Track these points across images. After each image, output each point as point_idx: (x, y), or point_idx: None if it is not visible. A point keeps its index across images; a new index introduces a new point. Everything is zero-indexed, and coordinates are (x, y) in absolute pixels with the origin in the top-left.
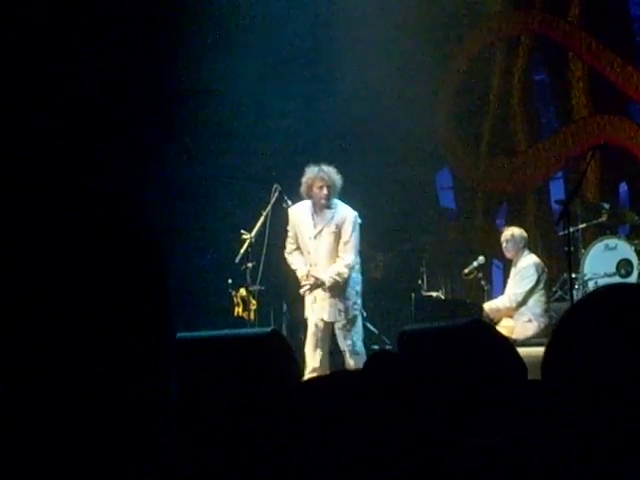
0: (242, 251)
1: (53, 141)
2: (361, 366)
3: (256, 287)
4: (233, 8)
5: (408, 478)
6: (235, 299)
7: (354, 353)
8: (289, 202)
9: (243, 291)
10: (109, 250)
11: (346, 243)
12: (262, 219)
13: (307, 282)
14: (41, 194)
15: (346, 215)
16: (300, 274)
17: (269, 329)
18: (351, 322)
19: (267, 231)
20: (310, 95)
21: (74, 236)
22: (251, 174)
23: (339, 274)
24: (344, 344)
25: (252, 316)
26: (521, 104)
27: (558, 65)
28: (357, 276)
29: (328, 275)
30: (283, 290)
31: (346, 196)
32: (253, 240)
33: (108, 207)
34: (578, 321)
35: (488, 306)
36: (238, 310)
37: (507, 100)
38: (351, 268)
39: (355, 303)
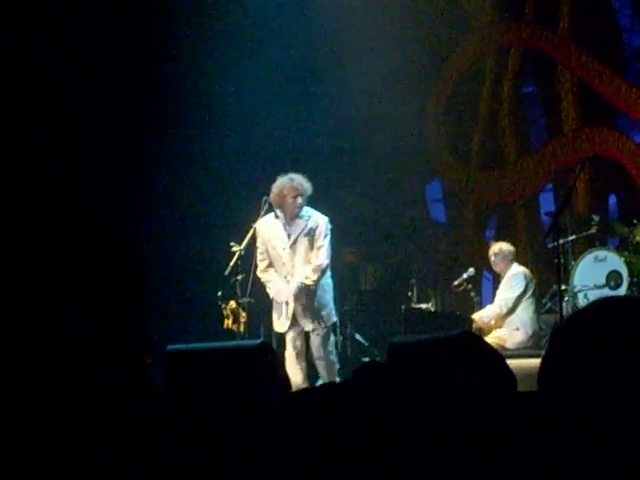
0: (232, 263)
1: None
2: (334, 377)
3: (246, 299)
4: (222, 25)
5: None
6: (225, 311)
7: (330, 362)
8: (279, 214)
9: (233, 303)
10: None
11: (319, 248)
12: (252, 231)
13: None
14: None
15: (319, 221)
16: (277, 295)
17: (258, 341)
18: (330, 330)
19: (257, 243)
20: (299, 109)
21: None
22: (240, 186)
23: (307, 277)
24: (321, 353)
25: (242, 328)
26: (511, 116)
27: (547, 77)
28: (330, 282)
29: (297, 280)
30: (273, 302)
31: (336, 208)
32: (243, 252)
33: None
34: (574, 332)
35: (478, 315)
36: (228, 322)
37: (497, 112)
38: (323, 271)
39: (332, 309)
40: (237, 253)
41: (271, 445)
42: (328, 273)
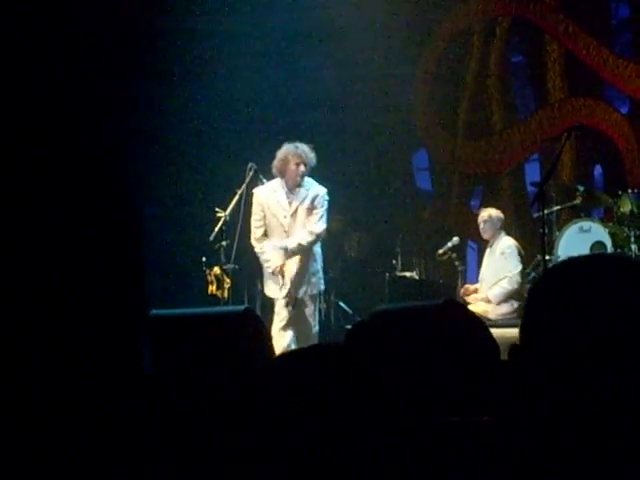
0: (216, 229)
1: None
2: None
3: (230, 266)
4: None
5: (388, 459)
6: (209, 277)
7: (313, 329)
8: (264, 181)
9: (217, 269)
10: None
11: (317, 215)
12: (237, 198)
13: (282, 273)
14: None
15: (318, 191)
16: (272, 266)
17: (242, 307)
18: (315, 298)
19: (242, 210)
20: (285, 76)
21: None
22: (225, 152)
23: (303, 238)
24: (308, 319)
25: (226, 294)
26: (498, 86)
27: (535, 47)
28: (320, 251)
29: (293, 243)
30: (257, 269)
31: (323, 176)
32: (228, 218)
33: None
34: (551, 288)
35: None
36: (212, 288)
37: (484, 82)
38: (317, 237)
39: (321, 277)
40: (222, 219)
41: (257, 411)
42: (318, 242)
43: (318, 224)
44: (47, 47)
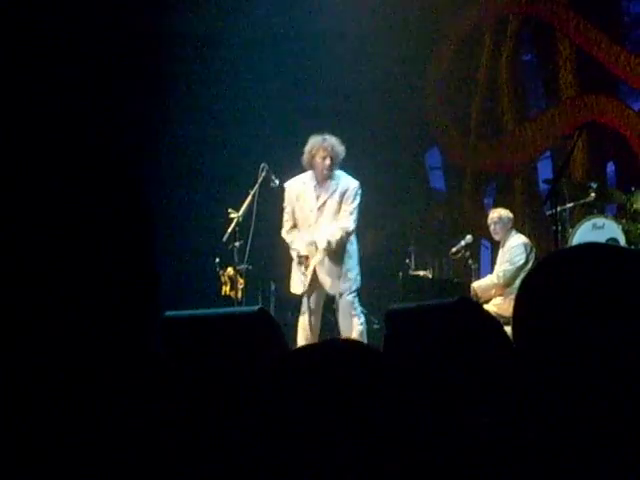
0: (229, 230)
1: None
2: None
3: (243, 266)
4: None
5: (401, 457)
6: (222, 278)
7: (355, 328)
8: (277, 181)
9: (230, 270)
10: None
11: (346, 211)
12: (250, 198)
13: (306, 264)
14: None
15: (349, 184)
16: (298, 253)
17: (256, 308)
18: (355, 296)
19: (254, 210)
20: (298, 75)
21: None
22: (237, 153)
23: (333, 235)
24: (347, 318)
25: (239, 295)
26: (509, 84)
27: (546, 45)
28: (356, 248)
29: (322, 239)
30: (270, 269)
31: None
32: (240, 219)
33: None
34: (541, 279)
35: (477, 284)
36: (225, 289)
37: (495, 80)
38: (348, 234)
39: (358, 275)
40: (235, 220)
41: (271, 410)
42: (354, 239)
43: (348, 220)
44: (58, 50)
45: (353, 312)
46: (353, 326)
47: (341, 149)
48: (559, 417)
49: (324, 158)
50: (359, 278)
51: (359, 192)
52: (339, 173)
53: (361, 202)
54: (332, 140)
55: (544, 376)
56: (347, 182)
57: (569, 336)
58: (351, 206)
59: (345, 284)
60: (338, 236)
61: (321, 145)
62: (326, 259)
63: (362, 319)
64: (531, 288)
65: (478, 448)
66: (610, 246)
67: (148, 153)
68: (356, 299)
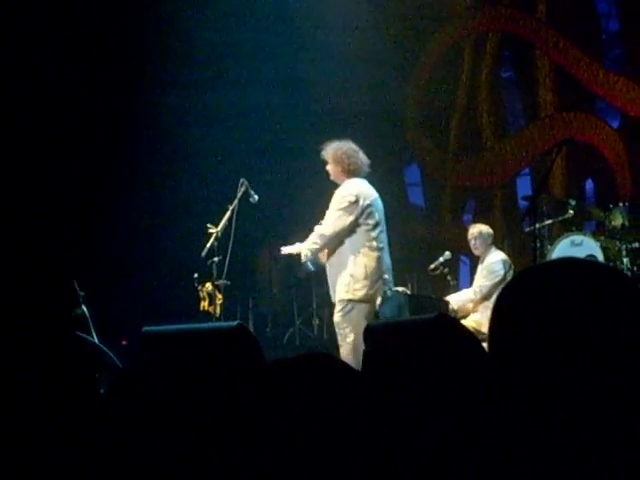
0: (208, 245)
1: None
2: (348, 355)
3: (222, 282)
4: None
5: (383, 469)
6: (201, 293)
7: (343, 342)
8: (255, 196)
9: (209, 285)
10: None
11: (326, 217)
12: (229, 213)
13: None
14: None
15: (339, 190)
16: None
17: (235, 323)
18: (346, 307)
19: (233, 225)
20: (278, 91)
21: None
22: (216, 168)
23: (308, 242)
24: (337, 328)
25: (218, 310)
26: (488, 101)
27: (525, 62)
28: (353, 258)
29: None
30: (249, 285)
31: (312, 190)
32: (219, 234)
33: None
34: (515, 293)
35: (453, 299)
36: (204, 304)
37: (475, 97)
38: (321, 239)
39: (347, 285)
40: (214, 235)
41: (248, 424)
42: (347, 249)
43: (323, 226)
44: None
45: (342, 324)
46: (341, 337)
47: (331, 154)
48: (532, 428)
49: (331, 163)
50: (347, 290)
51: (344, 196)
52: (348, 182)
53: (349, 210)
54: (326, 147)
55: (517, 384)
56: (340, 188)
57: (542, 347)
58: (330, 211)
59: (335, 294)
60: (311, 240)
61: (333, 152)
62: (327, 267)
63: (350, 339)
64: (506, 301)
65: (452, 460)
66: (582, 260)
67: (127, 167)
68: (347, 312)
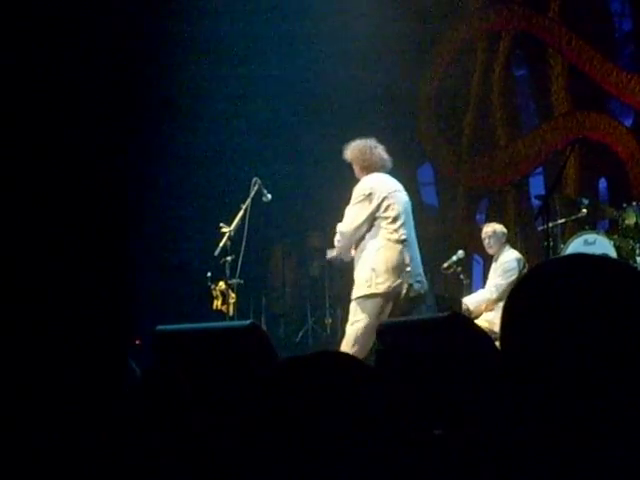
0: (221, 245)
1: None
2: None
3: (235, 281)
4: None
5: (396, 469)
6: (214, 292)
7: (348, 335)
8: (269, 195)
9: (222, 284)
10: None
11: (345, 213)
12: (241, 212)
13: None
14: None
15: (357, 185)
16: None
17: (248, 322)
18: (358, 303)
19: (246, 224)
20: (290, 91)
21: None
22: (229, 167)
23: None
24: (349, 322)
25: (231, 309)
26: (501, 100)
27: (538, 61)
28: (373, 254)
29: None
30: (262, 284)
31: (328, 191)
32: (232, 233)
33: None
34: (526, 290)
35: (468, 299)
36: (217, 303)
37: (487, 96)
38: (341, 235)
39: (363, 283)
40: (227, 234)
41: (262, 423)
42: (369, 244)
43: (342, 223)
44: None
45: (352, 319)
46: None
47: (349, 154)
48: (544, 427)
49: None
50: (363, 286)
51: (360, 191)
52: (365, 177)
53: (368, 203)
54: (346, 147)
55: (530, 382)
56: (357, 185)
57: (555, 343)
58: (350, 206)
59: (354, 289)
60: (335, 240)
61: (355, 150)
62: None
63: (350, 333)
64: (518, 298)
65: (463, 459)
66: (594, 257)
67: (138, 166)
68: (357, 309)
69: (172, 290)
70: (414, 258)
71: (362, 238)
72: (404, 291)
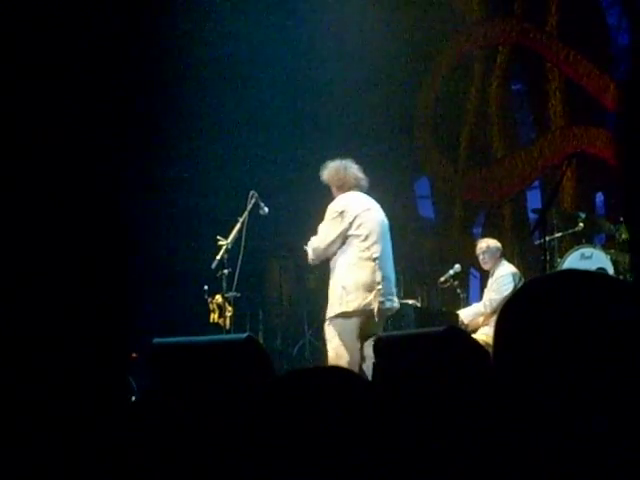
0: (218, 257)
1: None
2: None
3: (232, 294)
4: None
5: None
6: (211, 305)
7: (330, 357)
8: (265, 209)
9: (219, 298)
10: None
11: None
12: (238, 225)
13: None
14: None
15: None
16: None
17: (245, 335)
18: (332, 323)
19: (243, 237)
20: (286, 104)
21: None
22: (226, 181)
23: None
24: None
25: (228, 323)
26: (499, 113)
27: (536, 75)
28: (342, 273)
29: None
30: (259, 297)
31: (323, 205)
32: (229, 246)
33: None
34: (518, 306)
35: (463, 313)
36: (214, 316)
37: (485, 109)
38: (312, 251)
39: (333, 304)
40: (224, 247)
41: (258, 437)
42: (341, 259)
43: (314, 238)
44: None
45: (327, 337)
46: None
47: (325, 175)
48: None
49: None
50: (342, 302)
51: (333, 208)
52: (338, 196)
53: (338, 222)
54: (333, 169)
55: (521, 392)
56: (330, 204)
57: (546, 358)
58: (323, 223)
59: (328, 308)
60: (308, 252)
61: (331, 172)
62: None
63: (330, 354)
64: (508, 313)
65: (462, 472)
66: (584, 272)
67: (134, 179)
68: (331, 330)
69: (169, 303)
70: (386, 277)
71: (334, 254)
72: (375, 309)
